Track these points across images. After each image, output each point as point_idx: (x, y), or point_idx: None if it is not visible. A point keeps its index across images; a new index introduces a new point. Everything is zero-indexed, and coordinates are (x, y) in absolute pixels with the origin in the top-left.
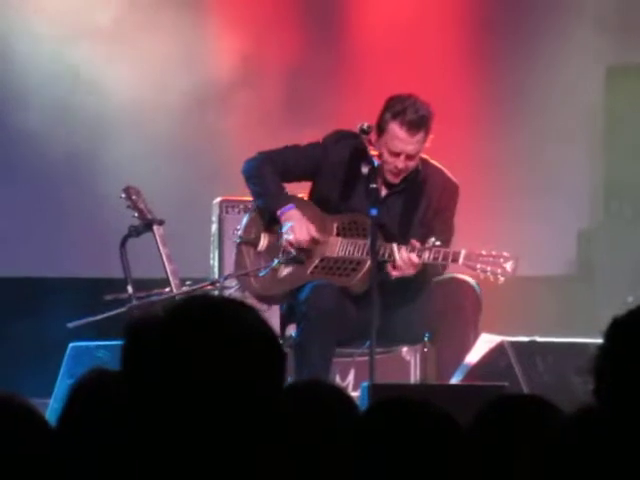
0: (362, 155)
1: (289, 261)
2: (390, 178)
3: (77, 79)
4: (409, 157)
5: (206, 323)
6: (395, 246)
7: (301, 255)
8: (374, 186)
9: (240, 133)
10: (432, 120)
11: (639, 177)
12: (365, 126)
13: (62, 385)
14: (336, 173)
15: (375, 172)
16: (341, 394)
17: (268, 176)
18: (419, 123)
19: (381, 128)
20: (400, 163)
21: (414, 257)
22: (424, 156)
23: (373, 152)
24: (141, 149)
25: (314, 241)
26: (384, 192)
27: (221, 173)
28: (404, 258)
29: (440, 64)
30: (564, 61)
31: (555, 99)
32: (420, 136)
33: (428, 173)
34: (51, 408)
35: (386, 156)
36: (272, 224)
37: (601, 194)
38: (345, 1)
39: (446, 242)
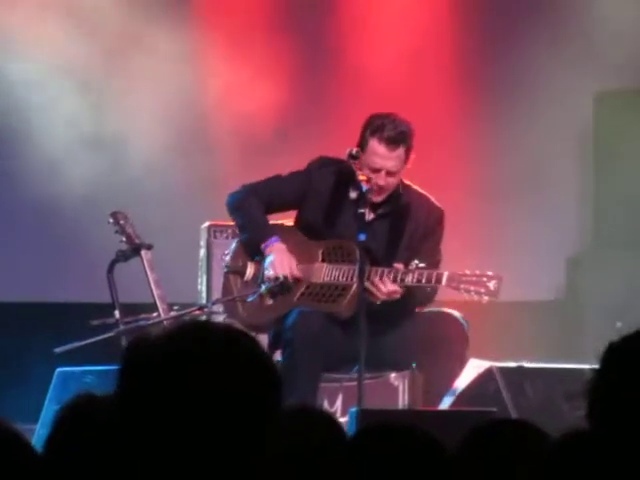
0: (348, 180)
1: (276, 288)
2: (372, 196)
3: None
4: (389, 173)
5: (203, 348)
6: (373, 271)
7: (288, 282)
8: (362, 211)
9: (229, 159)
10: (412, 137)
11: (627, 202)
12: (354, 151)
13: (49, 410)
14: (321, 199)
15: (364, 197)
16: (328, 419)
17: (252, 209)
18: (397, 139)
19: (362, 146)
20: (381, 180)
21: (389, 285)
22: (406, 182)
23: (361, 177)
24: (129, 174)
25: (294, 278)
26: (370, 216)
27: (209, 198)
28: (380, 288)
29: (431, 91)
30: (552, 88)
31: (544, 125)
32: (400, 152)
33: (412, 198)
34: (38, 434)
35: (368, 174)
36: (258, 254)
37: (589, 219)
38: (336, 34)
39: (434, 266)
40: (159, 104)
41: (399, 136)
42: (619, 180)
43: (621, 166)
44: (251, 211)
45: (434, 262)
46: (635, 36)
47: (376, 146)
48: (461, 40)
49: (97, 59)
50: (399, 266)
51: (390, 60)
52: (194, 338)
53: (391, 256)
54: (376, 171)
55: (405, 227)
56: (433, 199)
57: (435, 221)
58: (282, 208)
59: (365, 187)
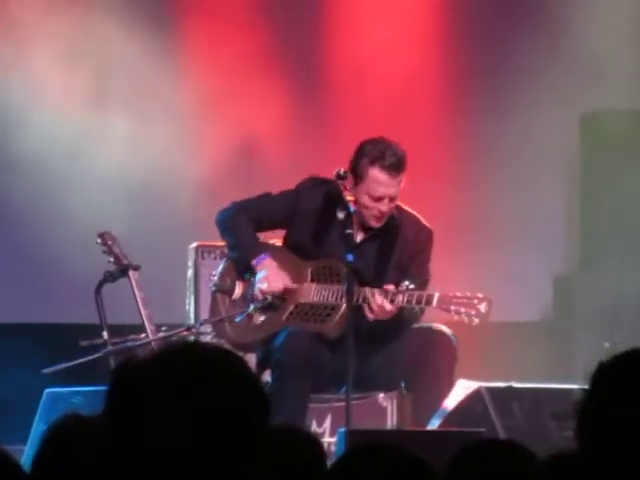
0: (336, 200)
1: (264, 307)
2: (373, 223)
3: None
4: (391, 199)
5: (192, 370)
6: (368, 290)
7: (276, 302)
8: (350, 231)
9: (218, 179)
10: (407, 159)
11: (615, 223)
12: (341, 172)
13: (37, 431)
14: (310, 219)
15: (350, 218)
16: (313, 441)
17: (242, 227)
18: (398, 166)
19: (359, 174)
20: (384, 207)
21: (387, 305)
22: (398, 202)
23: (349, 198)
24: (117, 195)
25: (287, 291)
26: (359, 237)
27: (197, 218)
28: (378, 304)
29: (419, 116)
30: (539, 110)
31: (530, 147)
32: (400, 177)
33: (403, 218)
34: (26, 455)
35: (366, 201)
36: (248, 271)
37: (577, 240)
38: (324, 56)
39: (422, 285)
40: (152, 130)
41: (400, 162)
42: (605, 201)
43: (607, 187)
44: (241, 229)
45: (423, 282)
46: (622, 57)
47: (378, 175)
48: (449, 64)
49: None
50: (390, 287)
51: (378, 83)
52: (183, 359)
53: (380, 276)
54: (379, 200)
55: (394, 248)
56: (422, 219)
57: (424, 241)
58: (271, 227)
59: (352, 208)
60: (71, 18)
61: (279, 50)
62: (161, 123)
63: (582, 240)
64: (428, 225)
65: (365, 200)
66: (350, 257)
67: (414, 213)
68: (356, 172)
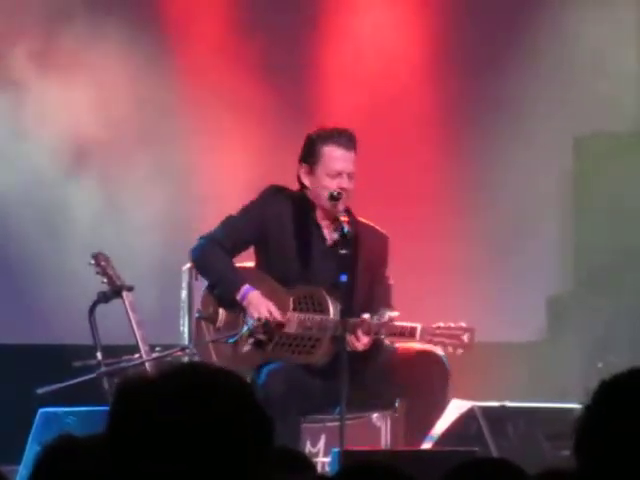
0: (306, 206)
1: (260, 328)
2: (334, 208)
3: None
4: (350, 176)
5: (196, 390)
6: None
7: (270, 324)
8: (344, 252)
9: (210, 200)
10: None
11: (608, 244)
12: (335, 193)
13: (31, 451)
14: (283, 226)
15: (345, 238)
16: (306, 461)
17: (217, 262)
18: (350, 140)
19: (314, 160)
20: (344, 183)
21: (366, 340)
22: (353, 213)
23: (343, 218)
24: (110, 215)
25: (276, 320)
26: (330, 241)
27: (191, 239)
28: (363, 343)
29: (411, 135)
30: (532, 132)
31: (524, 169)
32: (353, 155)
33: (358, 225)
34: (20, 475)
35: (327, 182)
36: (234, 306)
37: (570, 260)
38: (314, 80)
39: (389, 290)
40: (141, 150)
41: (351, 139)
42: (599, 222)
43: (601, 208)
44: (217, 265)
45: (389, 287)
46: (615, 79)
47: (333, 151)
48: (443, 85)
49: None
50: (366, 317)
51: (366, 106)
52: (186, 380)
53: (353, 279)
54: (338, 175)
55: (358, 256)
56: (377, 226)
57: (383, 247)
58: (247, 246)
59: (347, 229)
60: None
61: (269, 73)
62: (149, 149)
63: (576, 260)
64: (384, 231)
65: (326, 182)
66: (344, 277)
67: (368, 222)
68: (310, 159)
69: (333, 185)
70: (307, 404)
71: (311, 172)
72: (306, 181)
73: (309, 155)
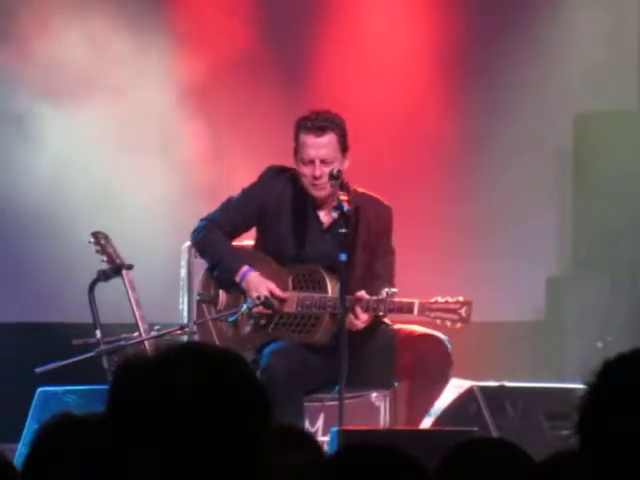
0: (303, 188)
1: (259, 306)
2: (314, 192)
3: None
4: (324, 162)
5: (196, 369)
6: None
7: (270, 301)
8: (344, 231)
9: (208, 179)
10: (341, 123)
11: (607, 224)
12: (335, 171)
13: (30, 430)
14: (283, 210)
15: (345, 217)
16: (310, 439)
17: (217, 244)
18: (322, 125)
19: (295, 148)
20: (316, 171)
21: (367, 316)
22: (356, 188)
23: (342, 197)
24: (110, 194)
25: (278, 297)
26: (327, 223)
27: (190, 218)
28: (363, 320)
29: (409, 119)
30: (533, 111)
31: (524, 148)
32: (329, 138)
33: (359, 199)
34: (19, 453)
35: (303, 169)
36: (234, 287)
37: (570, 241)
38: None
39: (392, 261)
40: (146, 141)
41: (324, 122)
42: (598, 202)
43: (600, 187)
44: (216, 247)
45: (391, 258)
46: (614, 57)
47: (304, 138)
48: (441, 73)
49: None
50: (362, 294)
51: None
52: (186, 359)
53: (350, 260)
54: (310, 162)
55: (358, 229)
56: (380, 197)
57: (386, 218)
58: (247, 228)
59: (346, 207)
60: None
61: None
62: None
63: (575, 241)
64: (386, 203)
65: (302, 169)
66: (343, 256)
67: (371, 193)
68: (295, 146)
69: (308, 172)
70: (310, 383)
71: (296, 159)
72: (296, 167)
73: (294, 141)
